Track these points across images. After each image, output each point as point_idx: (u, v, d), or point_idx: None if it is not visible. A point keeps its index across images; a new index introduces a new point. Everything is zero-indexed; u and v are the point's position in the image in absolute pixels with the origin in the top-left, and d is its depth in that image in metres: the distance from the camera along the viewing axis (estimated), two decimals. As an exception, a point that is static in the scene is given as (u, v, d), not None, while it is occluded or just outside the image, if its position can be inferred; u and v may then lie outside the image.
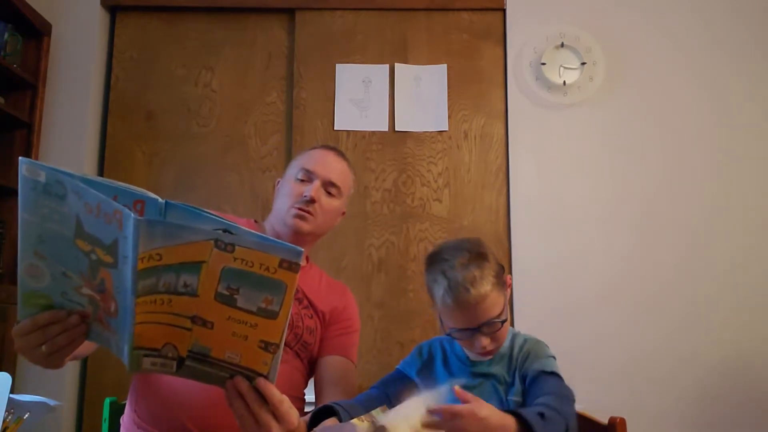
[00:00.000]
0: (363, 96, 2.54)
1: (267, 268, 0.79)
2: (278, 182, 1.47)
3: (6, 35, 2.30)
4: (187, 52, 2.60)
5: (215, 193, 2.50)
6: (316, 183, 1.36)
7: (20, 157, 0.79)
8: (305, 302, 1.37)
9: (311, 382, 1.41)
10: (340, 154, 1.46)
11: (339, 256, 2.45)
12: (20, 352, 0.88)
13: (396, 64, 2.56)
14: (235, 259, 0.78)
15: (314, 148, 1.48)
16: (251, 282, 0.79)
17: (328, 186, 1.38)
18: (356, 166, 2.49)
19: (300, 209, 1.35)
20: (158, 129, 2.55)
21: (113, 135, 2.55)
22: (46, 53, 2.47)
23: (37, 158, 2.41)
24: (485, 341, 1.12)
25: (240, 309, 0.80)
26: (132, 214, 0.72)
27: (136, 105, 2.57)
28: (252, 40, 2.62)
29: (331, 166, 1.40)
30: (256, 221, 1.48)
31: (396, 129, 2.52)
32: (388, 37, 2.59)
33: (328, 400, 1.27)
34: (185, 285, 0.78)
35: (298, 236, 1.37)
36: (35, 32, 2.44)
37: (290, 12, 2.62)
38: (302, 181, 1.38)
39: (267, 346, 0.83)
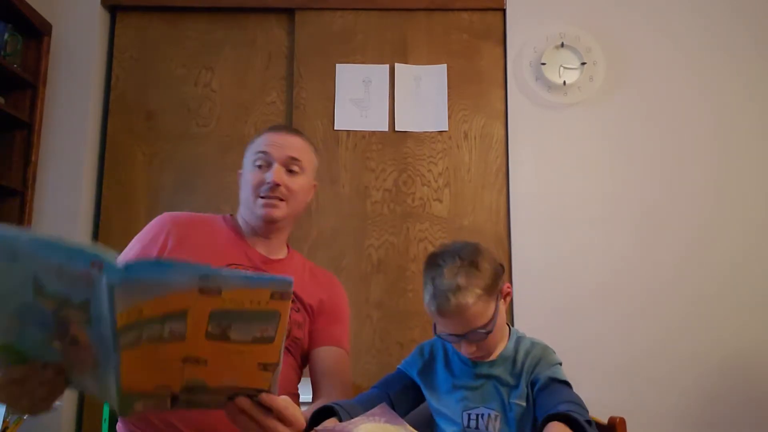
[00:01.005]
0: (363, 96, 2.54)
1: (258, 303, 0.77)
2: (239, 174, 1.42)
3: (6, 35, 2.30)
4: (187, 52, 2.60)
5: (215, 194, 2.50)
6: (276, 166, 1.32)
7: None
8: (291, 296, 1.35)
9: (306, 380, 1.40)
10: (293, 130, 1.42)
11: (338, 256, 2.45)
12: (1, 403, 0.85)
13: (396, 64, 2.56)
14: (223, 301, 0.75)
15: (264, 131, 1.42)
16: (243, 317, 0.77)
17: (289, 164, 1.34)
18: (356, 166, 2.50)
19: (267, 198, 1.31)
20: (158, 129, 2.55)
21: (113, 135, 2.55)
22: (46, 53, 2.47)
23: (37, 158, 2.42)
24: (470, 348, 1.14)
25: (234, 342, 0.78)
26: (103, 277, 0.69)
27: (136, 105, 2.57)
28: (252, 40, 2.62)
29: (287, 143, 1.36)
30: (231, 215, 1.44)
31: (396, 129, 2.52)
32: (388, 37, 2.59)
33: (323, 392, 1.28)
34: (171, 332, 0.75)
35: (272, 224, 1.34)
36: (35, 32, 2.44)
37: (290, 12, 2.62)
38: (260, 167, 1.33)
39: (266, 367, 0.82)
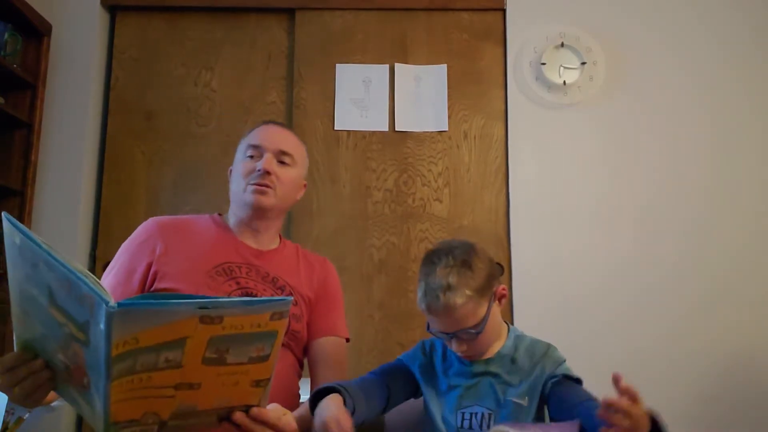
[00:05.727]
0: (363, 96, 2.54)
1: (258, 325, 0.77)
2: (230, 171, 1.41)
3: (6, 35, 2.29)
4: (187, 52, 2.60)
5: (215, 194, 2.49)
6: (267, 155, 1.32)
7: (3, 213, 0.78)
8: (287, 290, 1.34)
9: (306, 380, 1.40)
10: (285, 126, 1.44)
11: (340, 256, 2.45)
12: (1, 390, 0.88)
13: (396, 64, 2.56)
14: (224, 327, 0.75)
15: (258, 125, 1.42)
16: (241, 340, 0.77)
17: (280, 155, 1.34)
18: (356, 166, 2.50)
19: (257, 184, 1.31)
20: (158, 129, 2.55)
21: (113, 135, 2.55)
22: (46, 53, 2.46)
23: (37, 158, 2.41)
24: (461, 347, 1.15)
25: (230, 364, 0.78)
26: (104, 304, 0.68)
27: (136, 105, 2.56)
28: (252, 40, 2.62)
29: (278, 136, 1.37)
30: (220, 214, 1.43)
31: (396, 129, 2.52)
32: (388, 37, 2.59)
33: (321, 381, 1.29)
34: (167, 360, 0.74)
35: (261, 212, 1.34)
36: (35, 32, 2.44)
37: (290, 12, 2.62)
38: (251, 157, 1.34)
39: (258, 383, 0.83)
